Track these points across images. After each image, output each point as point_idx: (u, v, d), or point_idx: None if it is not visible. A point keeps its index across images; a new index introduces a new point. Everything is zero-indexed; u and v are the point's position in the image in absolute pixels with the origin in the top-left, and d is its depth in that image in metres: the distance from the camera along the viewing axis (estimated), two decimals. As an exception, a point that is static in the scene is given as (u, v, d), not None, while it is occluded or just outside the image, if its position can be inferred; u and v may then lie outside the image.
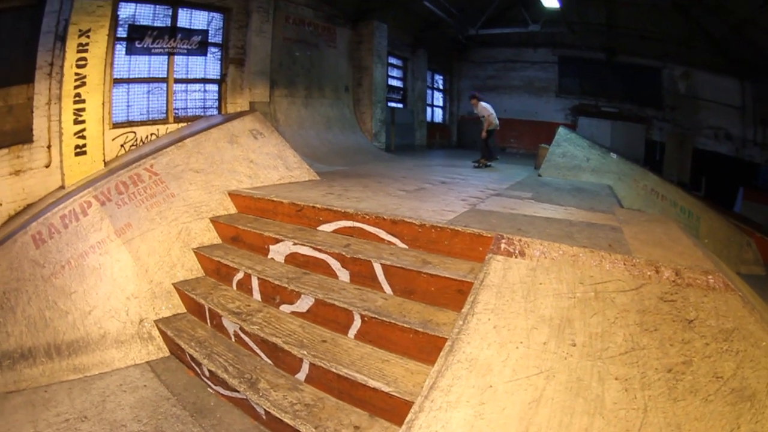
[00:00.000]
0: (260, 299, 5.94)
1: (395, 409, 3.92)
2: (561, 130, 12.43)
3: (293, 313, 5.46)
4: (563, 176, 11.38)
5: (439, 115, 23.28)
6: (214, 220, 7.34)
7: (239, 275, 6.29)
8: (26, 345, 6.02)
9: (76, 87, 8.28)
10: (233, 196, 7.63)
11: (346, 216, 6.19)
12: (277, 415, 4.33)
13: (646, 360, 3.18)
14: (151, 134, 9.86)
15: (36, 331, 6.11)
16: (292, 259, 6.12)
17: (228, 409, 5.25)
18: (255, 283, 6.03)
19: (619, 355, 3.26)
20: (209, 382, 5.49)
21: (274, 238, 6.38)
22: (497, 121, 12.57)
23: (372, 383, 4.06)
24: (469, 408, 3.10)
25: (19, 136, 8.44)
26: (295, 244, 6.09)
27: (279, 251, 6.27)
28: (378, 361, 4.39)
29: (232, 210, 7.63)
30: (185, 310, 6.73)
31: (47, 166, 8.61)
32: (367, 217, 5.94)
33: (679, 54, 17.41)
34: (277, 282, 5.66)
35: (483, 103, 12.46)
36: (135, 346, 6.47)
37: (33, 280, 6.53)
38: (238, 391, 4.90)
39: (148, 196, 7.27)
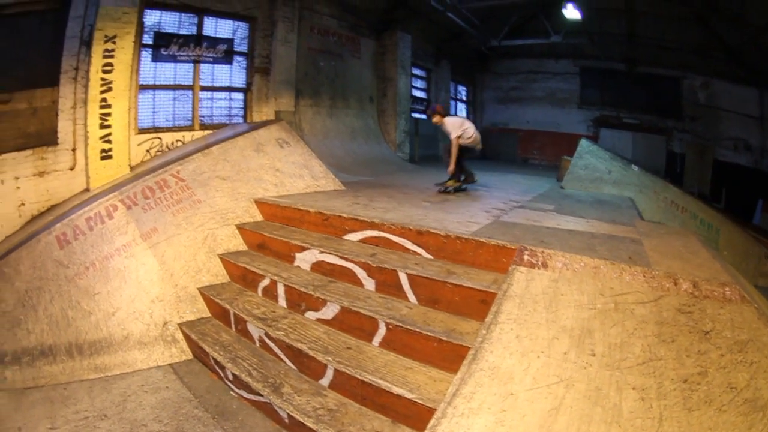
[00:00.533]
0: (286, 306, 6.05)
1: (418, 415, 4.00)
2: (583, 143, 12.45)
3: (318, 320, 5.55)
4: (585, 188, 11.41)
5: None
6: (240, 227, 7.46)
7: (265, 282, 6.38)
8: (47, 343, 6.14)
9: (102, 92, 8.43)
10: (259, 203, 7.76)
11: (372, 226, 6.31)
12: (300, 419, 4.41)
13: (663, 370, 3.28)
14: (177, 141, 10.02)
15: (58, 329, 6.21)
16: (318, 267, 6.23)
17: (250, 412, 5.32)
18: (281, 289, 6.13)
19: (637, 365, 3.36)
20: (232, 386, 5.59)
21: (300, 246, 6.47)
22: (473, 137, 10.13)
23: (395, 390, 4.16)
24: (490, 415, 3.22)
25: (44, 138, 8.61)
26: (321, 252, 6.18)
27: (305, 259, 6.37)
28: (402, 369, 4.48)
29: (258, 217, 7.73)
30: (210, 315, 6.84)
31: (71, 169, 8.78)
32: (393, 227, 6.06)
33: (698, 64, 17.41)
34: (303, 289, 5.74)
35: (450, 119, 10.26)
36: (158, 349, 6.59)
37: (56, 280, 6.65)
38: (261, 395, 4.99)
39: (175, 202, 7.42)
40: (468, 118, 22.85)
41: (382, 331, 4.89)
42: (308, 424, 4.33)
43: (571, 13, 15.24)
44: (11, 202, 8.31)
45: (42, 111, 8.59)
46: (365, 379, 4.40)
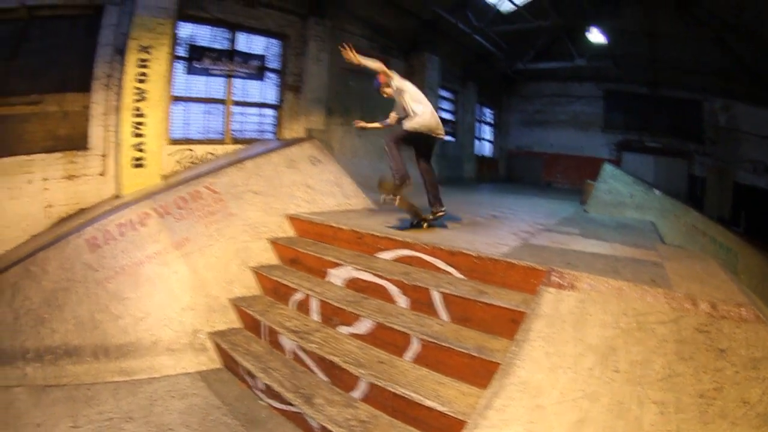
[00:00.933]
0: (319, 320, 6.23)
1: (449, 428, 4.16)
2: (606, 167, 12.63)
3: (351, 334, 5.72)
4: (608, 212, 11.55)
5: (487, 149, 23.35)
6: (274, 242, 7.72)
7: (298, 296, 6.58)
8: (72, 343, 6.28)
9: (135, 101, 8.73)
10: (292, 219, 8.03)
11: (405, 245, 6.48)
12: (332, 429, 4.58)
13: (682, 386, 3.50)
14: (208, 153, 10.25)
15: (84, 331, 6.36)
16: (351, 283, 6.40)
17: (280, 422, 5.42)
18: (314, 304, 6.33)
19: (657, 380, 3.58)
20: (262, 395, 5.73)
21: (333, 262, 6.65)
22: (428, 123, 7.19)
23: (427, 402, 4.33)
24: (520, 426, 3.48)
25: (74, 142, 8.90)
26: (355, 269, 6.33)
27: (338, 275, 6.55)
28: (433, 383, 4.65)
29: (291, 233, 7.96)
30: (241, 326, 7.00)
31: (102, 175, 9.04)
32: (426, 247, 6.20)
33: (718, 86, 17.59)
34: (336, 304, 5.90)
35: (410, 85, 7.45)
36: (187, 356, 6.72)
37: (84, 282, 6.81)
38: (292, 405, 5.15)
39: (208, 213, 7.66)
40: (493, 140, 22.92)
41: (414, 346, 5.06)
42: None
43: (596, 36, 15.53)
44: (38, 202, 8.55)
45: (73, 115, 8.88)
46: (397, 392, 4.57)
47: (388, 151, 7.30)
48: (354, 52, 6.85)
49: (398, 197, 7.22)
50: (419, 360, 5.04)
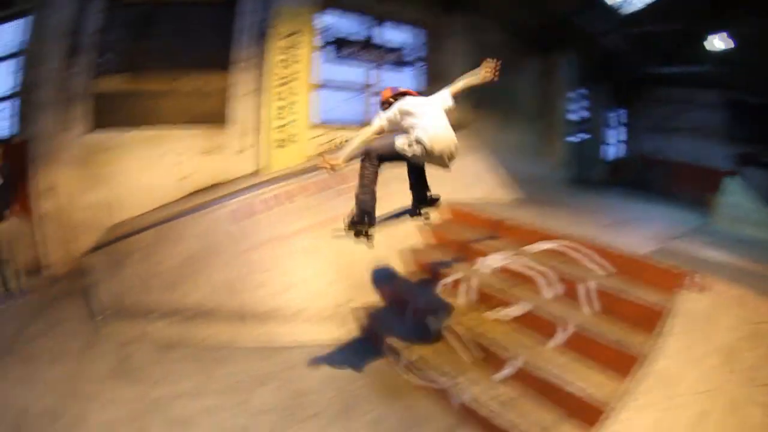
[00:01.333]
0: (467, 303, 6.53)
1: (588, 411, 4.55)
2: (730, 180, 12.62)
3: (499, 319, 6.01)
4: (731, 227, 11.31)
5: (617, 152, 22.64)
6: (423, 226, 7.95)
7: (447, 278, 6.93)
8: (205, 306, 6.85)
9: (278, 85, 9.35)
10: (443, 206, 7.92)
11: (553, 238, 6.74)
12: (473, 407, 5.01)
13: None
14: (347, 140, 10.30)
15: (220, 296, 6.89)
16: (500, 271, 6.69)
17: (420, 396, 5.71)
18: (463, 287, 6.65)
19: (765, 385, 4.06)
20: (403, 370, 6.08)
21: (483, 249, 7.02)
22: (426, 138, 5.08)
23: (568, 388, 4.76)
24: (654, 413, 4.11)
25: (211, 120, 9.69)
26: (504, 258, 6.72)
27: (488, 262, 6.86)
28: (575, 370, 5.00)
29: (440, 218, 8.22)
30: (385, 303, 7.39)
31: (240, 152, 9.73)
32: (573, 241, 6.52)
33: None
34: (486, 290, 6.37)
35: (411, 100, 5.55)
36: (328, 327, 7.14)
37: (226, 251, 7.45)
38: (434, 382, 5.52)
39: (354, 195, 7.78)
40: (624, 143, 22.27)
41: (559, 334, 5.38)
42: (481, 412, 4.93)
43: (723, 42, 15.39)
44: (172, 174, 9.37)
45: (210, 94, 9.67)
46: (541, 376, 4.97)
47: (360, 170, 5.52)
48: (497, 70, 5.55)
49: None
50: (563, 347, 5.36)
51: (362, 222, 5.49)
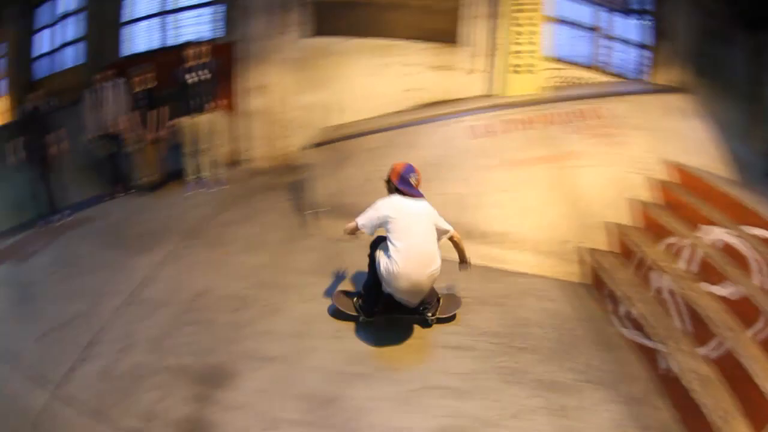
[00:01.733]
0: (686, 269, 6.19)
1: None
2: None
3: (713, 293, 5.61)
4: None
5: None
6: (652, 180, 7.74)
7: (671, 239, 6.67)
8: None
9: (514, 11, 9.07)
10: (670, 166, 7.84)
11: None
12: (677, 375, 4.88)
13: None
14: (575, 78, 10.41)
15: (448, 208, 6.11)
16: (720, 246, 6.17)
17: (628, 351, 5.68)
18: (685, 252, 6.34)
19: None
20: (618, 322, 6.10)
21: (708, 219, 6.47)
22: (394, 270, 5.18)
23: (758, 382, 4.40)
24: None
25: (441, 37, 9.91)
26: (727, 233, 6.13)
27: (709, 234, 6.36)
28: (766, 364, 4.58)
29: (667, 178, 7.82)
30: (610, 249, 7.35)
31: (470, 72, 9.86)
32: None
33: None
34: (706, 260, 5.93)
35: (404, 204, 5.37)
36: (551, 261, 7.34)
37: (461, 165, 7.84)
38: (648, 339, 5.50)
39: (592, 135, 7.88)
40: None
41: (759, 324, 4.99)
42: (682, 382, 4.79)
43: None
44: (397, 84, 9.80)
45: (441, 12, 9.83)
46: (739, 363, 4.67)
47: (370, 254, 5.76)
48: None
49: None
50: (760, 339, 4.96)
51: (362, 313, 5.77)
